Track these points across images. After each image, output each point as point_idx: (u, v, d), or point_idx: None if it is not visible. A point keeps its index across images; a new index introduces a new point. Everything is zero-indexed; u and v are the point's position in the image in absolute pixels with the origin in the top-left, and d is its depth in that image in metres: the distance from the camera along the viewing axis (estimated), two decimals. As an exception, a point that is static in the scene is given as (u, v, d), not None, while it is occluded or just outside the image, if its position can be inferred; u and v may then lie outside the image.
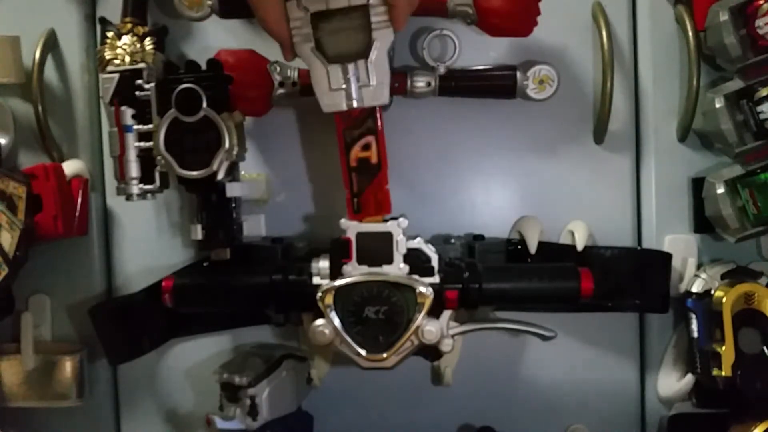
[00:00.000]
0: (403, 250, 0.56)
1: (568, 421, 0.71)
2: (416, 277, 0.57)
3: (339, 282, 0.56)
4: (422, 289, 0.55)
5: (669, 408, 0.70)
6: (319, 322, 0.56)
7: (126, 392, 0.72)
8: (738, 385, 0.61)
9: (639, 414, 0.71)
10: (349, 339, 0.56)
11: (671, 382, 0.69)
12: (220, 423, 0.59)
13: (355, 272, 0.56)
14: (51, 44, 0.67)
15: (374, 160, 0.55)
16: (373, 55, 0.53)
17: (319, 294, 0.56)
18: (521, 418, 0.71)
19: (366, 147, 0.55)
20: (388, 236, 0.57)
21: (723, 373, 0.61)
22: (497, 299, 0.58)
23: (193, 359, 0.71)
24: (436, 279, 0.57)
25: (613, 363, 0.71)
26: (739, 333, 0.62)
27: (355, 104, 0.53)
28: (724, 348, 0.62)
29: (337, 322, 0.56)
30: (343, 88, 0.53)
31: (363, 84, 0.53)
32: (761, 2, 0.60)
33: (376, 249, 0.57)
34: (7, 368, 0.66)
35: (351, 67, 0.53)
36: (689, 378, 0.67)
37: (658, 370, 0.70)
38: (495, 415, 0.71)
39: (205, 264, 0.64)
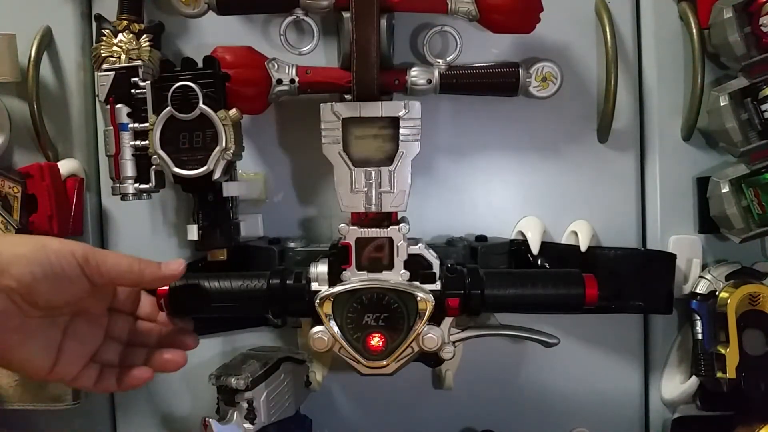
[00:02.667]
0: (404, 256, 0.56)
1: (571, 425, 0.71)
2: (417, 283, 0.56)
3: (337, 289, 0.55)
4: (423, 296, 0.55)
5: (673, 410, 0.69)
6: (318, 329, 0.55)
7: (122, 395, 0.71)
8: (742, 387, 0.61)
9: (643, 417, 0.71)
10: (348, 346, 0.55)
11: (675, 385, 0.68)
12: (217, 427, 0.59)
13: (354, 278, 0.56)
14: (47, 42, 0.66)
15: (385, 261, 0.56)
16: (397, 164, 0.55)
17: (318, 301, 0.55)
18: (523, 422, 0.71)
19: (379, 248, 0.56)
20: (388, 242, 0.56)
21: (727, 375, 0.61)
22: (500, 306, 0.57)
23: (189, 362, 0.69)
24: (437, 286, 0.56)
25: (616, 365, 0.70)
26: (743, 334, 0.62)
27: (373, 209, 0.56)
28: (728, 350, 0.61)
29: (335, 329, 0.55)
30: (364, 192, 0.55)
31: (384, 190, 0.55)
32: (765, 0, 0.60)
33: (377, 255, 0.56)
34: (2, 370, 0.66)
35: (374, 172, 0.55)
36: (693, 380, 0.66)
37: (662, 372, 0.69)
38: (497, 418, 0.70)
39: (200, 264, 0.63)
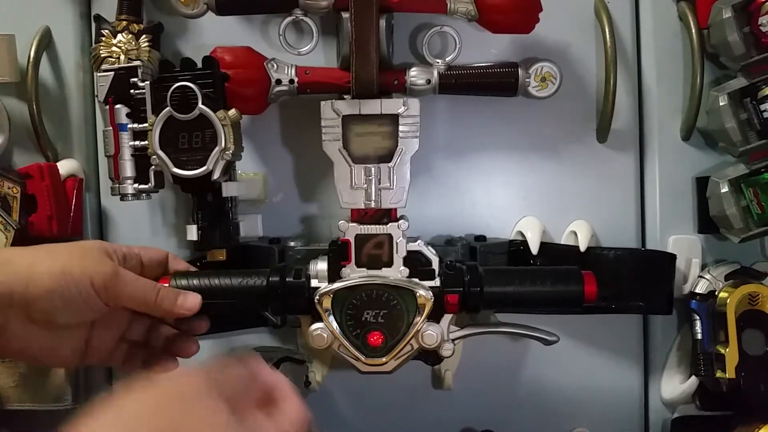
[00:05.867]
0: (403, 253, 0.56)
1: (571, 425, 0.71)
2: (416, 280, 0.56)
3: (337, 285, 0.55)
4: (422, 292, 0.55)
5: (672, 410, 0.69)
6: (317, 325, 0.55)
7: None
8: (742, 387, 0.61)
9: (642, 417, 0.71)
10: (347, 343, 0.55)
11: (675, 385, 0.68)
12: (216, 427, 0.59)
13: (354, 275, 0.56)
14: (46, 42, 0.66)
15: (385, 258, 0.56)
16: (396, 160, 0.56)
17: (317, 297, 0.55)
18: (523, 422, 0.70)
19: (378, 245, 0.56)
20: (388, 238, 0.56)
21: (727, 375, 0.61)
22: (499, 303, 0.57)
23: (189, 362, 0.70)
24: (436, 282, 0.56)
25: (616, 365, 0.70)
26: (743, 334, 0.62)
27: (373, 205, 0.56)
28: (728, 350, 0.61)
29: (335, 325, 0.55)
30: (364, 188, 0.56)
31: (384, 187, 0.56)
32: (764, 0, 0.60)
33: (376, 251, 0.56)
34: (1, 370, 0.66)
35: (374, 169, 0.56)
36: (693, 380, 0.66)
37: (662, 372, 0.69)
38: (496, 418, 0.70)
39: (198, 264, 0.63)
